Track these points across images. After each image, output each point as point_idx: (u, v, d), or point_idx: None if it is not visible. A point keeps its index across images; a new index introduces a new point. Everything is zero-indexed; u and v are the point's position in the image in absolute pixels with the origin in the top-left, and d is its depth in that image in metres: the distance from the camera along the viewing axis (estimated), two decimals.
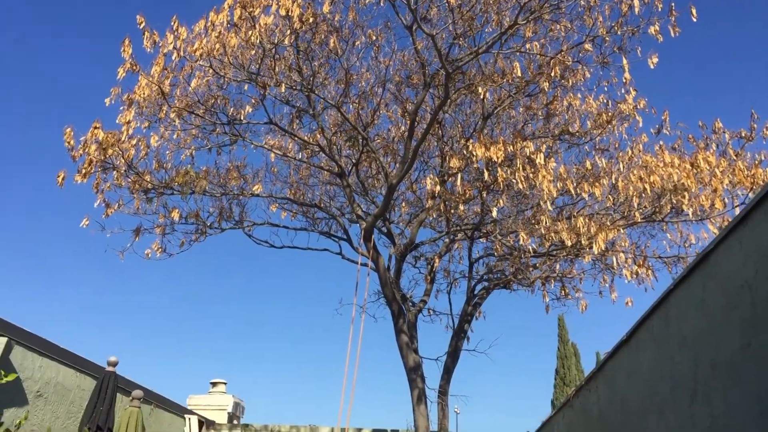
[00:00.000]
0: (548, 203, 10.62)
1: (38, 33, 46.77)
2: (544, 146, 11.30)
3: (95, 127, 10.98)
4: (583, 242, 11.35)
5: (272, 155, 14.82)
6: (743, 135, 13.22)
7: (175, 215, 12.92)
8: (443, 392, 13.78)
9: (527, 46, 11.62)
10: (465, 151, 11.73)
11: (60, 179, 11.60)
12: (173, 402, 15.53)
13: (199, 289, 54.09)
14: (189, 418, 15.96)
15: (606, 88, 13.21)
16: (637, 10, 10.26)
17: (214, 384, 20.44)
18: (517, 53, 11.58)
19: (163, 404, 14.70)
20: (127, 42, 10.67)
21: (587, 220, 11.57)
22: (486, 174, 11.01)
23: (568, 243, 11.20)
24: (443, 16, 11.54)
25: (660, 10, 10.73)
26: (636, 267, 12.45)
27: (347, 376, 11.85)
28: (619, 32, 10.67)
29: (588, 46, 10.90)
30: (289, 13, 10.21)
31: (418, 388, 13.20)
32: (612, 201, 12.33)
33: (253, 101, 12.81)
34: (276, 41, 10.99)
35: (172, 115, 12.04)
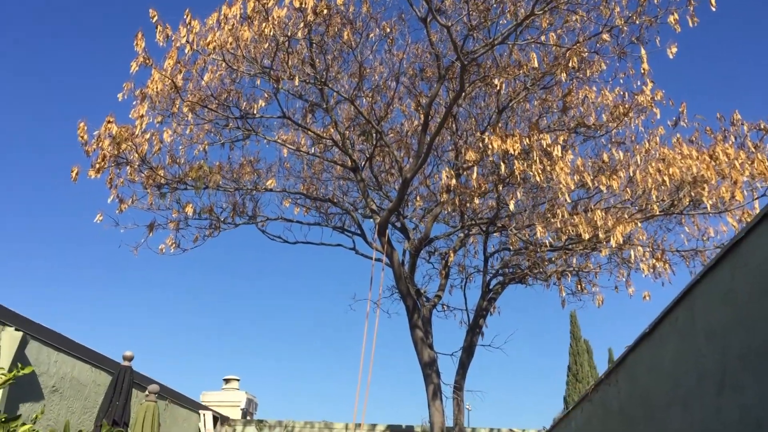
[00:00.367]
0: (566, 195, 10.46)
1: (43, 31, 47.00)
2: (561, 138, 11.15)
3: (108, 122, 10.96)
4: (600, 236, 11.22)
5: (285, 150, 14.77)
6: (762, 127, 13.01)
7: (189, 210, 12.89)
8: (458, 388, 13.68)
9: (542, 37, 11.50)
10: (480, 144, 11.61)
11: (74, 174, 11.60)
12: (188, 398, 15.52)
13: (211, 284, 54.23)
14: (204, 414, 15.94)
15: (622, 80, 13.07)
16: None
17: (227, 380, 20.41)
18: (533, 45, 11.43)
19: (177, 400, 14.68)
20: (140, 35, 10.64)
21: (604, 214, 11.44)
22: (502, 167, 10.88)
23: (585, 236, 11.05)
24: (458, 7, 11.42)
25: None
26: (654, 260, 12.29)
27: (362, 371, 11.78)
28: (637, 21, 10.50)
29: (606, 36, 10.72)
30: (303, 5, 10.12)
31: (433, 384, 13.12)
32: (630, 194, 12.17)
33: (266, 95, 12.77)
34: (289, 34, 10.90)
35: (185, 110, 12.00)
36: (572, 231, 11.63)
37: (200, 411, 16.01)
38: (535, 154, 10.68)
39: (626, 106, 12.83)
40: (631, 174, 11.97)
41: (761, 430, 4.61)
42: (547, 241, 12.24)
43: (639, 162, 12.39)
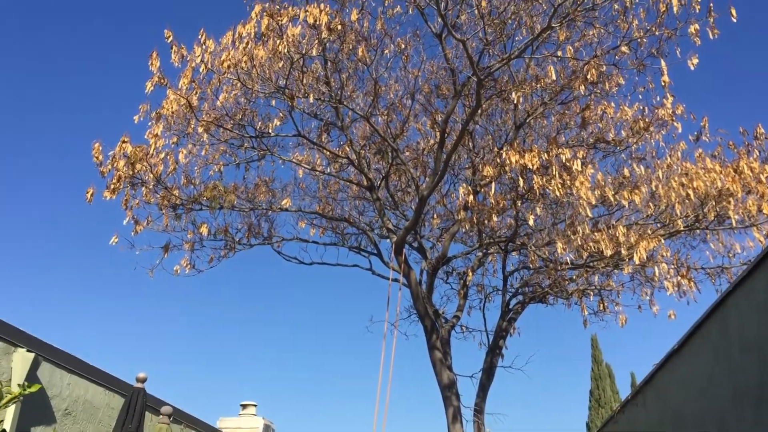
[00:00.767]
0: (587, 209, 10.21)
1: (57, 53, 47.80)
2: (581, 154, 10.93)
3: (123, 141, 10.92)
4: (623, 252, 10.92)
5: (300, 171, 14.67)
6: None
7: (204, 230, 12.77)
8: (479, 410, 13.31)
9: (559, 52, 11.34)
10: (498, 159, 11.42)
11: (89, 195, 11.55)
12: (205, 423, 15.28)
13: (226, 306, 54.09)
14: None
15: (641, 95, 12.86)
16: (675, 9, 9.89)
17: (244, 406, 20.19)
18: (550, 59, 11.28)
19: (194, 425, 14.45)
20: (154, 55, 10.65)
21: (626, 230, 11.15)
22: (521, 182, 10.67)
23: (608, 252, 10.76)
24: (473, 23, 11.31)
25: (698, 11, 10.38)
26: (679, 278, 11.94)
27: (379, 395, 11.50)
28: (656, 33, 10.31)
29: (624, 48, 10.54)
30: (317, 22, 10.07)
31: (453, 406, 12.78)
32: (652, 209, 11.89)
33: (281, 114, 12.70)
34: (304, 51, 10.85)
35: (200, 130, 11.95)
36: (594, 247, 11.33)
37: None
38: (554, 169, 10.47)
39: (646, 120, 12.61)
40: (654, 189, 11.69)
41: None
42: (567, 259, 11.95)
43: (661, 177, 12.12)
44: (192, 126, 12.07)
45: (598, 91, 12.71)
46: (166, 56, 10.96)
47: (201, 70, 10.84)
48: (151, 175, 11.85)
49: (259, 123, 12.72)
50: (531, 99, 12.63)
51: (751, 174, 11.64)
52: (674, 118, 12.35)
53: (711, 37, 10.44)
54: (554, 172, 10.42)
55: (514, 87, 11.12)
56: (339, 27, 10.34)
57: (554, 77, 10.82)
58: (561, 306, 14.55)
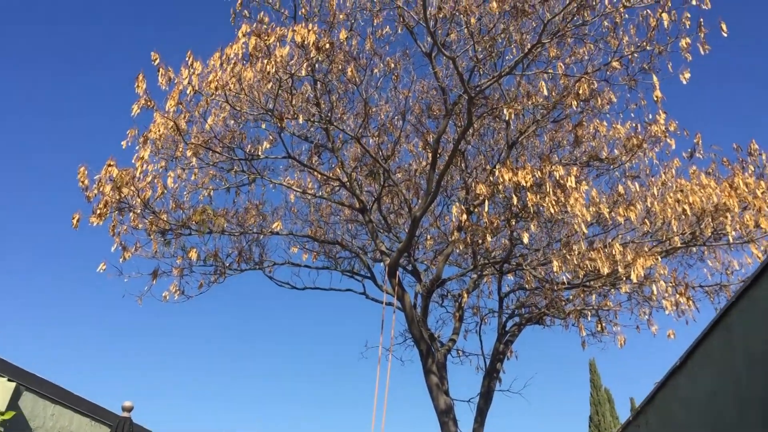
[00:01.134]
0: (583, 227, 10.03)
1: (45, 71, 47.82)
2: (575, 170, 10.80)
3: (109, 165, 10.72)
4: (620, 270, 10.72)
5: (292, 196, 14.50)
6: None
7: (193, 256, 12.51)
8: None
9: (549, 70, 11.28)
10: (491, 178, 11.27)
11: (75, 221, 11.28)
12: None
13: (215, 333, 53.39)
14: None
15: (633, 114, 12.82)
16: (666, 23, 9.84)
17: None
18: (542, 76, 11.20)
19: None
20: (140, 77, 10.51)
21: (623, 249, 10.97)
22: (515, 200, 10.50)
23: (605, 271, 10.55)
24: (462, 40, 11.24)
25: (688, 27, 10.34)
26: (677, 296, 11.74)
27: (374, 422, 11.18)
28: (648, 47, 10.26)
29: (616, 63, 10.47)
30: (305, 41, 9.96)
31: None
32: (648, 225, 11.72)
33: (271, 137, 12.57)
34: (292, 72, 10.73)
35: (189, 153, 11.77)
36: (590, 266, 11.13)
37: None
38: (547, 186, 10.31)
39: (639, 137, 12.53)
40: (649, 205, 11.55)
41: None
42: (564, 278, 11.75)
43: (656, 194, 11.99)
44: (180, 150, 11.89)
45: (590, 110, 12.66)
46: (153, 80, 10.84)
47: (188, 92, 10.68)
48: (139, 200, 11.62)
49: (249, 146, 12.58)
50: (523, 117, 12.55)
51: (746, 189, 11.52)
52: (667, 135, 12.27)
53: (702, 52, 10.38)
54: (548, 190, 10.26)
55: (506, 105, 11.02)
56: (327, 46, 10.23)
57: (546, 92, 10.71)
58: (558, 327, 14.33)
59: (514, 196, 10.58)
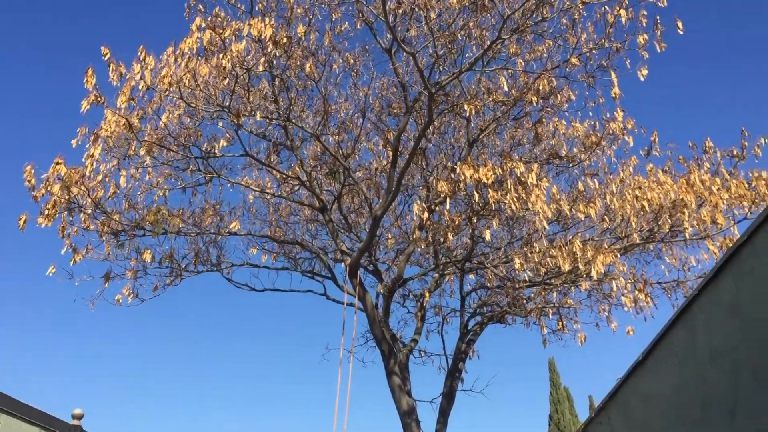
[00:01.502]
0: (544, 223, 10.01)
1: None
2: (535, 167, 10.78)
3: (57, 163, 10.27)
4: (580, 267, 10.74)
5: (251, 196, 14.20)
6: (735, 154, 12.88)
7: (147, 257, 12.12)
8: None
9: (509, 68, 11.25)
10: (452, 175, 11.17)
11: (21, 223, 10.81)
12: None
13: (172, 336, 52.41)
14: None
15: (591, 112, 12.90)
16: (624, 20, 9.90)
17: None
18: (502, 71, 11.16)
19: None
20: (90, 72, 10.06)
21: (583, 245, 11.00)
22: (476, 196, 10.41)
23: (566, 268, 10.55)
24: (422, 37, 11.13)
25: (645, 24, 10.42)
26: (636, 292, 11.83)
27: (336, 424, 10.99)
28: (606, 44, 10.30)
29: (575, 60, 10.49)
30: (261, 36, 9.71)
31: None
32: (608, 222, 11.79)
33: (228, 135, 12.26)
34: (249, 67, 10.46)
35: (142, 152, 11.39)
36: (551, 264, 11.13)
37: None
38: (509, 183, 10.26)
39: (598, 135, 12.61)
40: (608, 202, 11.61)
41: None
42: (525, 276, 11.72)
43: (615, 191, 12.07)
44: (133, 148, 11.52)
45: (550, 108, 12.69)
46: (104, 75, 10.44)
47: (141, 87, 10.31)
48: (90, 200, 11.20)
49: (205, 144, 12.25)
50: (483, 115, 12.49)
51: (702, 186, 11.67)
52: (625, 133, 12.38)
53: (658, 50, 10.50)
54: (509, 186, 10.22)
55: (466, 101, 10.93)
56: (285, 41, 10.00)
57: (506, 87, 10.68)
58: (520, 326, 14.32)
59: (475, 193, 10.50)
